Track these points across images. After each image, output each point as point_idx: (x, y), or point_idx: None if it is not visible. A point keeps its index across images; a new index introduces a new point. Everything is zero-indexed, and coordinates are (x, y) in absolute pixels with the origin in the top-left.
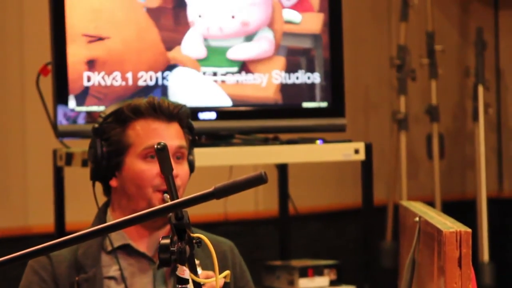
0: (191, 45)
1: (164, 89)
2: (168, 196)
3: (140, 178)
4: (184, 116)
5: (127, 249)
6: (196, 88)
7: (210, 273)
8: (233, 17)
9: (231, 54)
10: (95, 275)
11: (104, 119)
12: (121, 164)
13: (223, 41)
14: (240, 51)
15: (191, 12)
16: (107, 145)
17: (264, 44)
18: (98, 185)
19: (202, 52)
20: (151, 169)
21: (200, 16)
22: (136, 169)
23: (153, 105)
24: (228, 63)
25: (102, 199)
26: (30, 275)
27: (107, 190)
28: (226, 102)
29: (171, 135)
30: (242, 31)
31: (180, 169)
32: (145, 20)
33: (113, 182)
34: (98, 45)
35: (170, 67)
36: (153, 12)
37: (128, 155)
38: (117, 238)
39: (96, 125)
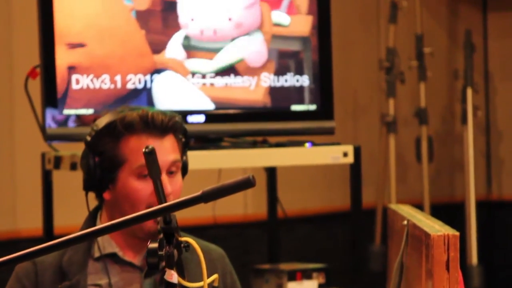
0: (179, 48)
1: (152, 92)
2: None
3: (134, 197)
4: (178, 126)
5: (114, 258)
6: (184, 91)
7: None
8: (230, 19)
9: (221, 57)
10: (78, 282)
11: (96, 132)
12: (115, 179)
13: (214, 44)
14: (230, 53)
15: (183, 15)
16: (100, 159)
17: (254, 46)
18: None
19: (190, 55)
20: (146, 188)
21: (192, 20)
22: (130, 187)
23: (146, 120)
24: (217, 65)
25: (93, 203)
26: (13, 283)
27: (100, 197)
28: (214, 105)
29: (165, 150)
30: (235, 33)
31: (174, 184)
32: (133, 23)
33: (106, 195)
34: (86, 48)
35: (158, 70)
36: (141, 15)
37: (122, 171)
38: (104, 246)
39: (89, 138)
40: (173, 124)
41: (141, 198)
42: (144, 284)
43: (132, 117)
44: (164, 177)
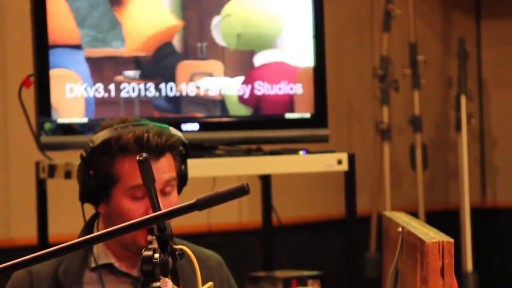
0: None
1: (147, 101)
2: (153, 237)
3: (127, 217)
4: (177, 146)
5: (110, 268)
6: (178, 99)
7: None
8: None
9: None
10: None
11: (92, 149)
12: (109, 195)
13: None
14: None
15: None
16: (95, 175)
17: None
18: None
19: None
20: (138, 208)
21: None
22: (123, 207)
23: (141, 143)
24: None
25: (88, 213)
26: None
27: (96, 208)
28: (209, 113)
29: (159, 170)
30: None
31: (167, 205)
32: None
33: (101, 209)
34: (80, 57)
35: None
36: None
37: (116, 190)
38: (101, 257)
39: (84, 154)
40: (169, 145)
41: (133, 218)
42: None
43: (127, 139)
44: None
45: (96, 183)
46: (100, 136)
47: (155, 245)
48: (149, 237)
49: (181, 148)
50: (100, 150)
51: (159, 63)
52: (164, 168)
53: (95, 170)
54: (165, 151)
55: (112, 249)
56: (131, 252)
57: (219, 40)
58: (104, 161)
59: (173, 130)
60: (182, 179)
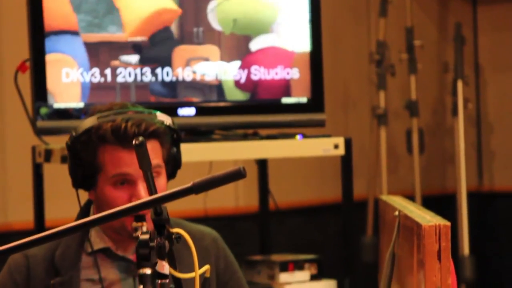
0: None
1: (143, 85)
2: (139, 224)
3: (112, 204)
4: (160, 132)
5: (107, 253)
6: (175, 84)
7: None
8: None
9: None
10: (71, 278)
11: (75, 138)
12: (95, 183)
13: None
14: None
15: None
16: (80, 163)
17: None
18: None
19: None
20: (121, 196)
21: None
22: (107, 195)
23: (118, 133)
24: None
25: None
26: (5, 276)
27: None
28: (205, 98)
29: None
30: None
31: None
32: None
33: (91, 195)
34: (76, 41)
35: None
36: None
37: (100, 178)
38: (97, 242)
39: (69, 142)
40: (149, 134)
41: (117, 206)
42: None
43: (105, 129)
44: (139, 186)
45: (82, 171)
46: (82, 126)
47: (141, 232)
48: (134, 224)
49: (170, 133)
50: (82, 139)
51: (155, 48)
52: None
53: (79, 159)
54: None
55: (108, 233)
56: (123, 236)
57: (215, 25)
58: (86, 150)
59: (159, 116)
60: (174, 162)
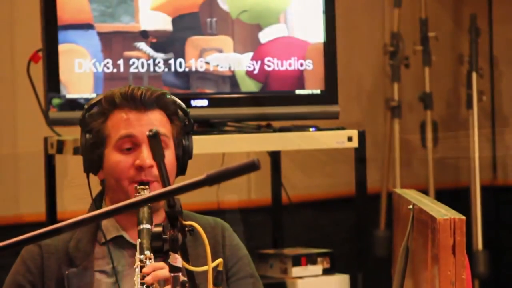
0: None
1: (156, 76)
2: (142, 187)
3: (116, 170)
4: (169, 103)
5: (120, 241)
6: (188, 75)
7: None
8: None
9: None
10: (85, 268)
11: (86, 111)
12: (102, 156)
13: None
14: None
15: None
16: (90, 137)
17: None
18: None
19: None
20: (126, 160)
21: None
22: (112, 161)
23: (126, 95)
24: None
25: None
26: (18, 265)
27: (102, 181)
28: (218, 89)
29: (146, 124)
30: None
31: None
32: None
33: (100, 175)
34: (89, 32)
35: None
36: None
37: (107, 147)
38: (110, 230)
39: (81, 117)
40: (156, 99)
41: (121, 171)
42: None
43: (114, 93)
44: (143, 149)
45: (91, 144)
46: (96, 98)
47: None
48: (138, 187)
49: (182, 116)
50: (93, 111)
51: (168, 39)
52: (152, 122)
53: (89, 132)
54: (153, 105)
55: (121, 220)
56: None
57: (227, 15)
58: (96, 120)
59: (172, 97)
60: (185, 153)
